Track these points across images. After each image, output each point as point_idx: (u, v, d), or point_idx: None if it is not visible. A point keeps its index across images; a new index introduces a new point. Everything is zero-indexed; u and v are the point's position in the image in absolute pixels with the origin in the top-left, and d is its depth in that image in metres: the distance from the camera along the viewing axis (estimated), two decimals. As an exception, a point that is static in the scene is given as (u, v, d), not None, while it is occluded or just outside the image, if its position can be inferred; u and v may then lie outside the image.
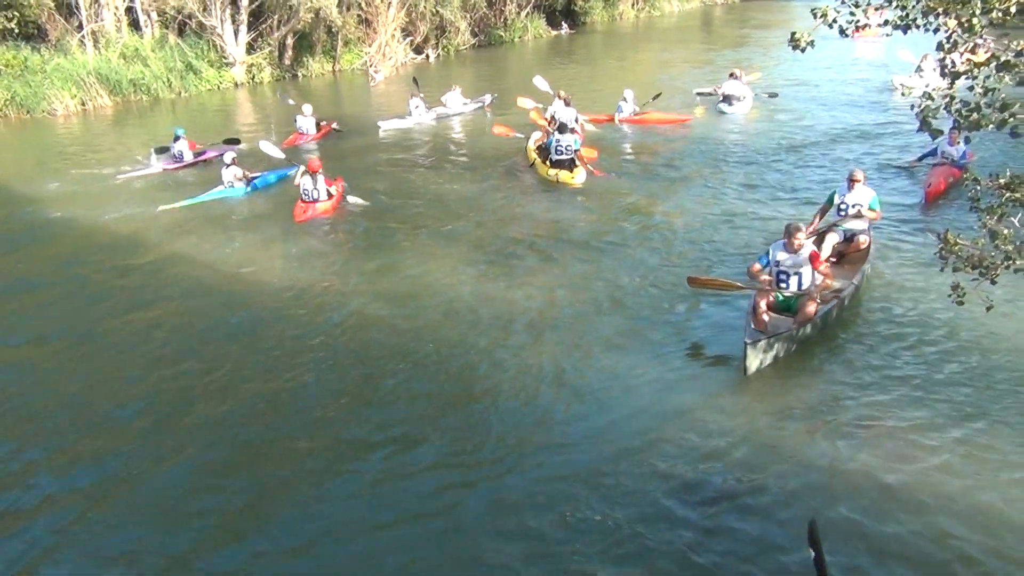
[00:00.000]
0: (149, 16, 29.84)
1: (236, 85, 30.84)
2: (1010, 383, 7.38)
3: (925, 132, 4.49)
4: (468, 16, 39.94)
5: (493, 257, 11.45)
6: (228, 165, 15.50)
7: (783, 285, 8.48)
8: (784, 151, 16.39)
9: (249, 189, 15.57)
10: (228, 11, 30.03)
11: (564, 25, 48.15)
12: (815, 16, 4.50)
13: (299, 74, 33.05)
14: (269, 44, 31.98)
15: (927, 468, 6.28)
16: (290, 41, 32.58)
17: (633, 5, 55.77)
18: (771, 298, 8.43)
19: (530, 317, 9.50)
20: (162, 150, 18.04)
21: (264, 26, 31.73)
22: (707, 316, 9.32)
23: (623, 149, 17.71)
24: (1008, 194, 4.32)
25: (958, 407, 7.06)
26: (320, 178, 13.89)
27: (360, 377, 8.35)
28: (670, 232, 12.11)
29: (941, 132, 4.57)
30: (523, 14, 44.75)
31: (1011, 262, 4.42)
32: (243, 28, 30.78)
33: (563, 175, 14.95)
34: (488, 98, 23.89)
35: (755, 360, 7.70)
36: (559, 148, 15.15)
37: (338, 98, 22.64)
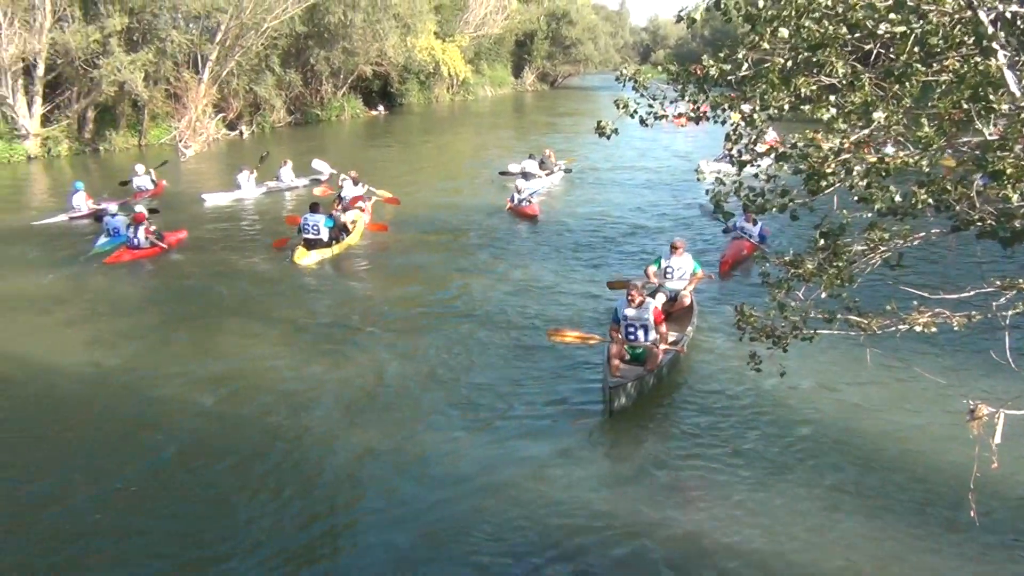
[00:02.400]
0: (-72, 84, 27.62)
1: (29, 158, 28.89)
2: (802, 439, 8.01)
3: (719, 214, 4.90)
4: (283, 94, 39.72)
5: (314, 338, 11.17)
6: (114, 215, 16.68)
7: (632, 337, 9.29)
8: (599, 227, 17.28)
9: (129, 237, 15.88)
10: (20, 81, 28.26)
11: (380, 106, 48.88)
12: (617, 107, 4.86)
13: (101, 148, 31.44)
14: (67, 116, 30.29)
15: (729, 515, 6.66)
16: (91, 114, 31.03)
17: (448, 89, 57.58)
18: (623, 349, 9.22)
19: (365, 396, 9.27)
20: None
21: (62, 98, 30.09)
22: (544, 377, 9.72)
23: (431, 227, 17.96)
24: (792, 270, 4.75)
25: (759, 463, 7.58)
26: (142, 228, 15.49)
27: (181, 470, 7.77)
28: (490, 303, 12.35)
29: (732, 215, 4.98)
30: (340, 94, 45.06)
31: (798, 331, 4.84)
32: (38, 99, 29.06)
33: (298, 253, 15.07)
34: (326, 174, 23.84)
35: (618, 402, 8.46)
36: (305, 227, 15.40)
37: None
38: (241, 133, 37.33)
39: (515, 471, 7.55)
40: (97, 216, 18.17)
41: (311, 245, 15.26)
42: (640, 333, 9.27)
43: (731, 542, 6.44)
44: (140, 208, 16.79)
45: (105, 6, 28.89)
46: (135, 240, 15.53)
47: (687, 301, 11.31)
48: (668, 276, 11.58)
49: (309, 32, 38.76)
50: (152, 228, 15.79)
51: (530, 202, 18.99)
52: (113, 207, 17.66)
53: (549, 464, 7.68)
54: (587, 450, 8.05)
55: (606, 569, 6.18)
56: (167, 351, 10.69)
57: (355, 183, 19.05)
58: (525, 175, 22.68)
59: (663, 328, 9.33)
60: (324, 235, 15.36)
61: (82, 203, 19.16)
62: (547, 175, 23.24)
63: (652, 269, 11.68)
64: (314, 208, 15.64)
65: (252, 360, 10.35)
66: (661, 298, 11.08)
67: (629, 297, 9.29)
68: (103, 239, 16.24)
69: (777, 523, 6.68)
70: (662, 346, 9.21)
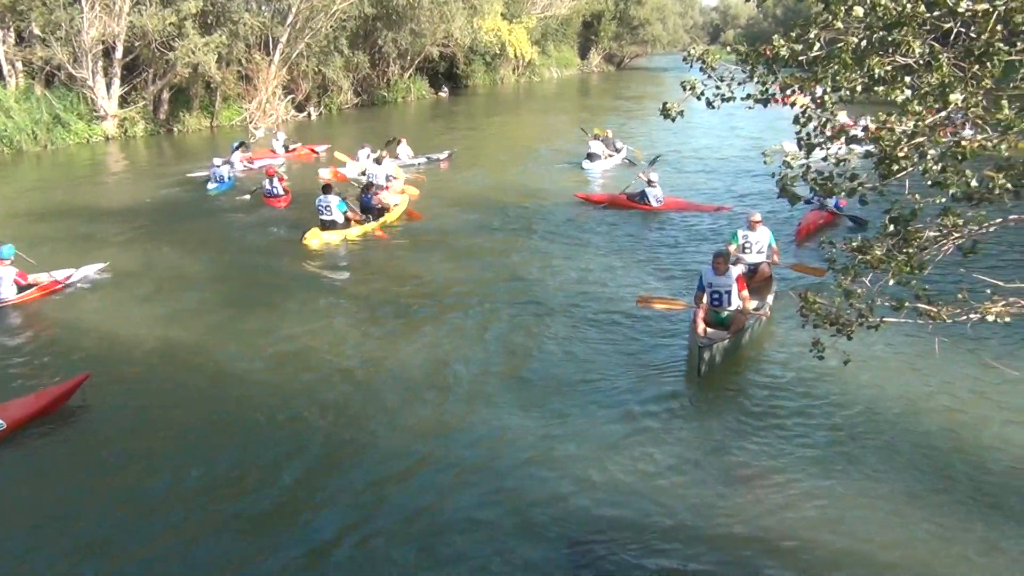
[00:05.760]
0: (14, 66, 28.60)
1: (107, 139, 29.84)
2: (867, 429, 7.83)
3: (786, 198, 4.80)
4: (351, 76, 40.15)
5: (378, 316, 11.32)
6: (219, 166, 20.67)
7: (716, 303, 9.79)
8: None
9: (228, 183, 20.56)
10: (100, 64, 29.15)
11: (444, 88, 49.09)
12: (684, 88, 4.79)
13: (175, 129, 32.28)
14: (143, 98, 31.15)
15: (794, 504, 6.58)
16: (166, 95, 31.86)
17: (514, 70, 57.47)
18: (708, 314, 9.65)
19: (426, 374, 9.31)
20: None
21: (138, 80, 30.93)
22: (618, 349, 9.88)
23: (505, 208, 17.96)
24: (860, 256, 4.64)
25: (824, 449, 7.44)
26: (275, 180, 18.71)
27: (246, 449, 7.97)
28: (555, 282, 12.34)
29: (800, 198, 4.86)
30: (406, 75, 45.37)
31: (864, 319, 4.74)
32: (116, 81, 29.93)
33: (310, 234, 15.12)
34: (446, 153, 24.52)
35: (706, 362, 8.85)
36: (319, 208, 15.54)
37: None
38: (309, 115, 37.88)
39: (587, 446, 7.58)
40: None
41: (326, 226, 15.37)
42: (724, 299, 9.75)
43: (794, 532, 6.35)
44: (270, 164, 21.45)
45: (181, -11, 29.60)
46: (272, 190, 18.58)
47: (766, 272, 11.79)
48: (746, 250, 11.93)
49: (377, 14, 39.04)
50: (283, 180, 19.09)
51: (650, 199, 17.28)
52: (219, 160, 21.05)
53: (624, 438, 7.73)
54: (667, 418, 8.15)
55: (664, 555, 6.17)
56: (233, 327, 10.96)
57: (377, 162, 19.02)
58: (591, 156, 22.65)
59: (745, 294, 9.79)
60: (338, 217, 15.44)
61: (236, 160, 22.67)
62: (610, 156, 23.14)
63: (732, 247, 11.91)
64: (327, 189, 15.70)
65: (313, 338, 10.49)
66: (741, 268, 11.30)
67: (715, 265, 9.74)
68: (212, 185, 20.37)
69: (839, 514, 6.56)
70: (746, 309, 9.71)
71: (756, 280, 11.57)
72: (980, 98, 4.19)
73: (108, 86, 29.86)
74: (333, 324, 11.04)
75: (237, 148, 23.46)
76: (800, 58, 4.50)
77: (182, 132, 32.24)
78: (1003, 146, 4.04)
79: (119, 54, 29.38)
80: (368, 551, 6.28)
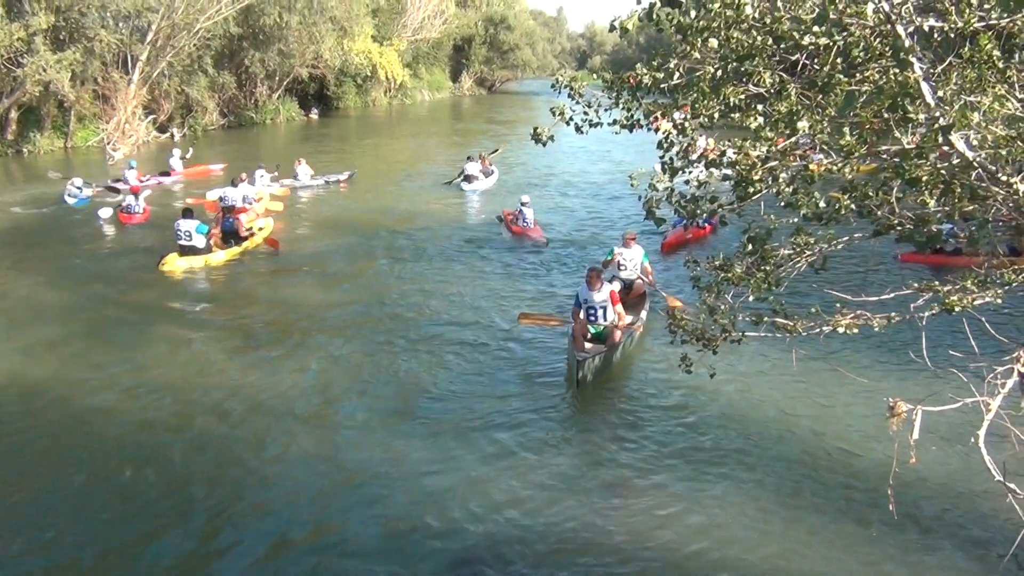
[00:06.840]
0: None
1: (-53, 160, 27.79)
2: (732, 437, 8.23)
3: (651, 219, 4.99)
4: (216, 96, 38.95)
5: (248, 346, 11.00)
6: (79, 187, 20.49)
7: (592, 318, 10.10)
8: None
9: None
10: (-62, 79, 27.18)
11: (315, 109, 48.34)
12: (553, 114, 4.92)
13: (24, 150, 30.38)
14: (-12, 117, 29.22)
15: (664, 510, 6.80)
16: (14, 114, 29.97)
17: (386, 92, 57.17)
18: (586, 329, 10.00)
19: (298, 402, 9.13)
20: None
21: (-18, 97, 29.00)
22: (498, 369, 10.09)
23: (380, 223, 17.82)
24: (722, 274, 4.88)
25: (692, 458, 7.78)
26: (141, 197, 18.66)
27: (100, 480, 7.58)
28: (431, 306, 12.34)
29: (664, 220, 5.05)
30: (275, 96, 44.38)
31: (727, 334, 4.98)
32: (-44, 99, 27.93)
33: (168, 260, 14.63)
34: (346, 174, 24.15)
35: (584, 375, 9.17)
36: (177, 233, 14.95)
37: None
38: (172, 136, 36.44)
39: (470, 468, 7.63)
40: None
41: (184, 252, 14.83)
42: (600, 314, 10.09)
43: (667, 540, 6.56)
44: (136, 182, 21.28)
45: (30, 3, 27.87)
46: (134, 206, 18.36)
47: (640, 288, 12.30)
48: (621, 267, 12.40)
49: (244, 33, 38.07)
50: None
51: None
52: (78, 180, 20.93)
53: (507, 456, 7.84)
54: (548, 433, 8.37)
55: (548, 571, 6.23)
56: (92, 359, 10.41)
57: (234, 184, 18.50)
58: (468, 178, 22.71)
59: (620, 308, 10.16)
60: (198, 241, 14.86)
61: (132, 178, 22.16)
62: (486, 177, 23.34)
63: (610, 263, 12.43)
64: (187, 214, 15.17)
65: (177, 371, 10.07)
66: (617, 285, 11.68)
67: (588, 281, 10.10)
68: (71, 199, 20.19)
69: (706, 520, 6.84)
70: (621, 323, 10.08)
71: (632, 296, 12.06)
72: (825, 125, 4.49)
73: (-53, 104, 27.87)
74: (198, 356, 10.63)
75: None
76: (662, 86, 4.70)
77: (33, 153, 30.37)
78: (846, 170, 4.34)
79: (-41, 70, 27.47)
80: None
